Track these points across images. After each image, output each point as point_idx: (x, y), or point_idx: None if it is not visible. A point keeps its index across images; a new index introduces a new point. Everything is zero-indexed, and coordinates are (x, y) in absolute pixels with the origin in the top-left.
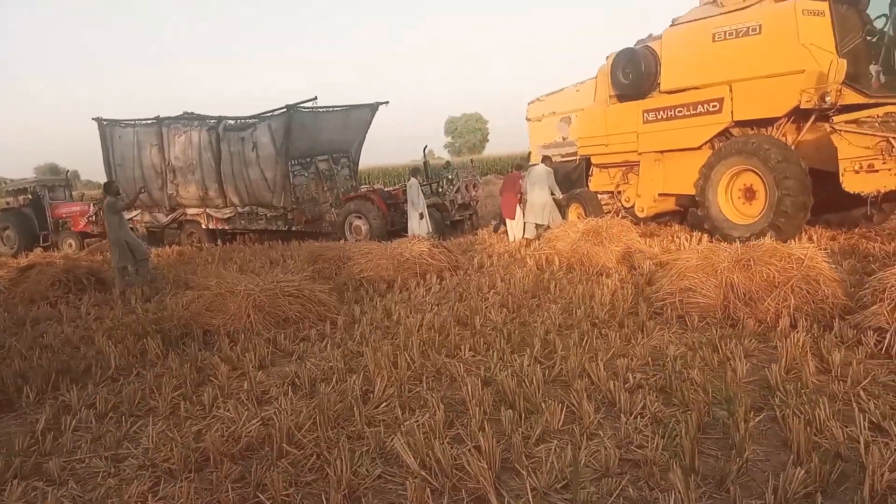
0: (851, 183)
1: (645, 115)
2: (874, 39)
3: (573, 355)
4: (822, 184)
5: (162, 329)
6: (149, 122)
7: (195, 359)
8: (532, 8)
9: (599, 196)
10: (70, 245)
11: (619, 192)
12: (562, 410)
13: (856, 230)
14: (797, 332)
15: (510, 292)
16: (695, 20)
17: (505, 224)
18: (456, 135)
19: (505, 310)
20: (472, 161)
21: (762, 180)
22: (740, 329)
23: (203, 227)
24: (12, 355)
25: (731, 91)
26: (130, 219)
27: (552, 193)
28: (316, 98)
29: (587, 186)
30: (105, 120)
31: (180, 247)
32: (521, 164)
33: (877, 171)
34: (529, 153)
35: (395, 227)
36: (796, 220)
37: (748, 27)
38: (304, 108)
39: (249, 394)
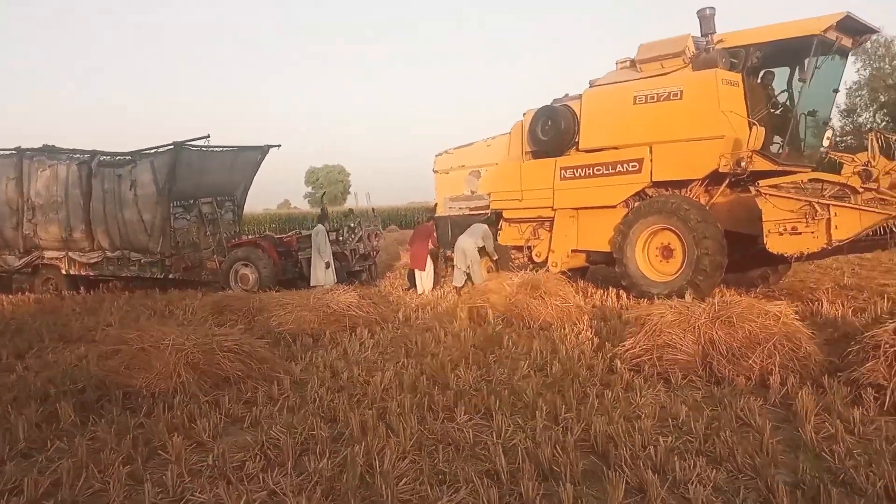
0: (775, 244)
1: (562, 171)
2: (778, 112)
3: (589, 416)
4: (731, 245)
5: (71, 391)
6: (7, 152)
7: (126, 426)
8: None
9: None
10: None
11: (529, 247)
12: (622, 483)
13: (756, 290)
14: (795, 389)
15: (459, 347)
16: (614, 83)
17: (409, 277)
18: (317, 185)
19: (475, 366)
20: (373, 210)
21: (680, 239)
22: (727, 387)
23: (63, 272)
24: None
25: (651, 152)
26: None
27: (489, 254)
28: (209, 136)
29: (496, 240)
30: None
31: (34, 294)
32: (432, 217)
33: (800, 233)
34: (436, 204)
35: (286, 276)
36: (713, 279)
37: (669, 92)
38: (194, 146)
39: (218, 470)
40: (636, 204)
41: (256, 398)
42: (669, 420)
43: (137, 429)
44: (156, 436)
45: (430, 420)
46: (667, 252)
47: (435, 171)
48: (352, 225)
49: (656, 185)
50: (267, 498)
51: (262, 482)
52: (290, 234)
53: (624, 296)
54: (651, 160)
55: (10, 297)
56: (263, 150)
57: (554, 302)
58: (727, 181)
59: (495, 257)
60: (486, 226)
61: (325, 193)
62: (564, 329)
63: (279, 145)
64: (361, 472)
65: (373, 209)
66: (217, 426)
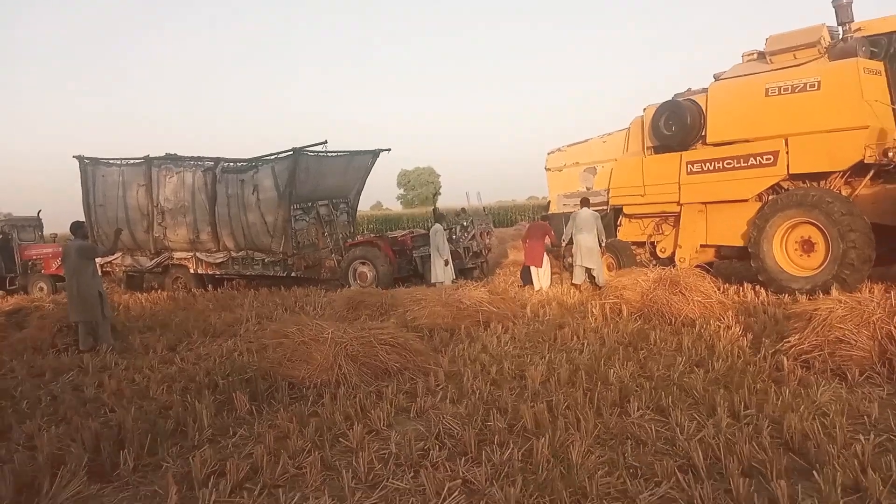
0: None
1: (688, 166)
2: None
3: (773, 413)
4: (877, 238)
5: (240, 382)
6: (137, 161)
7: (301, 415)
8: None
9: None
10: (41, 289)
11: (652, 243)
12: (837, 482)
13: None
14: None
15: (602, 343)
16: (742, 75)
17: (522, 274)
18: (408, 187)
19: (629, 362)
20: (484, 209)
21: (823, 233)
22: None
23: (191, 271)
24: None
25: (786, 144)
26: (110, 262)
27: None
28: (326, 142)
29: (615, 236)
30: (87, 158)
31: (166, 292)
32: (545, 214)
33: None
34: (549, 202)
35: (401, 275)
36: (861, 273)
37: (806, 83)
38: (311, 151)
39: (404, 457)
40: (772, 197)
41: (416, 389)
42: (865, 418)
43: (312, 417)
44: (335, 424)
45: (606, 414)
46: (807, 246)
47: (547, 169)
48: (464, 224)
49: (793, 177)
50: (462, 486)
51: (449, 470)
52: (404, 233)
53: (762, 291)
54: (787, 152)
55: (144, 294)
56: (375, 154)
57: (695, 297)
58: (871, 172)
59: (603, 240)
60: (588, 210)
61: (437, 194)
62: (710, 325)
63: (389, 149)
64: (553, 465)
65: (483, 208)
66: (389, 415)
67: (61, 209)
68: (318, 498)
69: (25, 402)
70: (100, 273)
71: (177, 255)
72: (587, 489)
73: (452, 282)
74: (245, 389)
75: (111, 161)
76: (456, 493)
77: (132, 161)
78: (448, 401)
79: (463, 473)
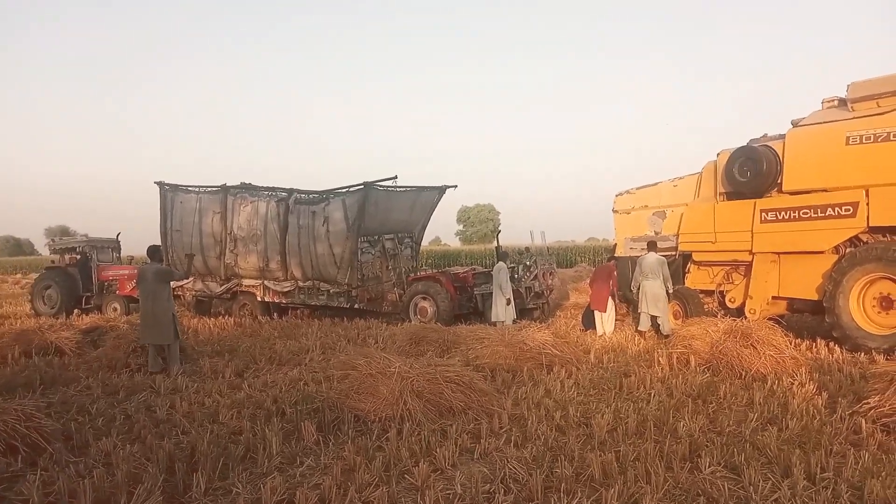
0: None
1: (762, 214)
2: None
3: (852, 477)
4: None
5: (308, 411)
6: (214, 189)
7: (366, 448)
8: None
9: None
10: (115, 309)
11: (721, 292)
12: None
13: None
14: None
15: (669, 393)
16: (821, 122)
17: (585, 318)
18: (468, 224)
19: (698, 416)
20: (548, 249)
21: None
22: None
23: (258, 298)
24: (157, 435)
25: (867, 196)
26: (181, 286)
27: (664, 280)
28: (396, 177)
29: (683, 283)
30: (167, 184)
31: (233, 318)
32: (612, 256)
33: None
34: (615, 244)
35: (461, 311)
36: None
37: (889, 132)
38: (381, 186)
39: (470, 499)
40: (851, 250)
41: (480, 430)
42: None
43: (377, 451)
44: (400, 460)
45: (676, 469)
46: (886, 303)
47: (615, 211)
48: (527, 263)
49: (873, 230)
50: None
51: None
52: (466, 269)
53: (836, 348)
54: (867, 204)
55: (212, 320)
56: (441, 191)
57: (767, 351)
58: None
59: (670, 287)
60: (654, 255)
61: (499, 232)
62: (783, 381)
63: (455, 186)
64: None
65: (547, 248)
66: (453, 455)
67: (138, 233)
68: None
69: (101, 419)
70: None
71: (246, 282)
72: None
73: (514, 322)
74: (312, 419)
75: (190, 188)
76: None
77: (210, 189)
78: (512, 444)
79: None
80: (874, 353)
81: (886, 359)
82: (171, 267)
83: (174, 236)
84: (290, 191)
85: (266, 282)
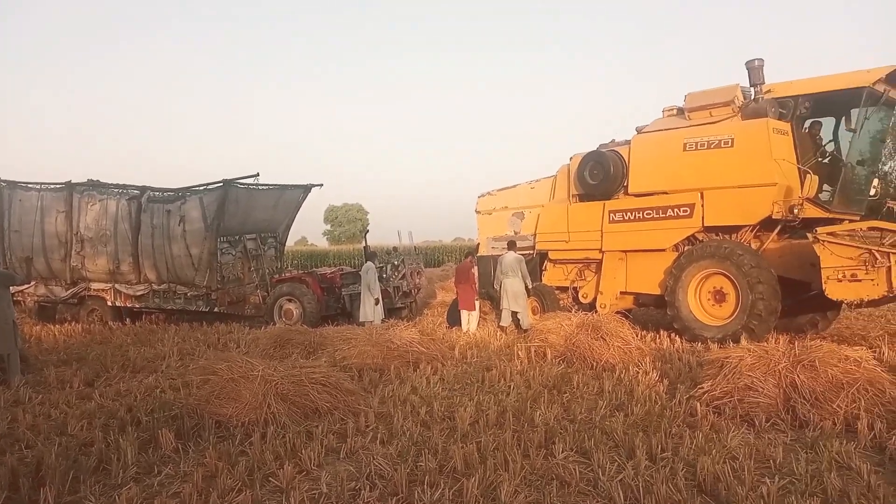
0: (834, 291)
1: (611, 214)
2: (826, 161)
3: (687, 456)
4: (782, 291)
5: (165, 419)
6: (58, 186)
7: (229, 454)
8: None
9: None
10: None
11: (574, 288)
12: None
13: (806, 336)
14: (884, 434)
15: (528, 385)
16: (662, 129)
17: (450, 315)
18: (335, 223)
19: (553, 405)
20: (415, 248)
21: (733, 284)
22: (814, 431)
23: (109, 303)
24: None
25: (702, 198)
26: (21, 291)
27: (523, 277)
28: (258, 174)
29: (540, 280)
30: (4, 181)
31: (81, 324)
32: (470, 253)
33: (860, 280)
34: (478, 244)
35: (328, 313)
36: (768, 324)
37: (720, 140)
38: (242, 183)
39: (335, 497)
40: (688, 248)
41: (346, 429)
42: (771, 462)
43: (240, 456)
44: (264, 463)
45: (532, 456)
46: (719, 296)
47: (478, 212)
48: (395, 263)
49: (707, 229)
50: None
51: None
52: (334, 270)
53: (677, 338)
54: (702, 205)
55: (57, 326)
56: (306, 189)
57: (615, 343)
58: (778, 227)
59: (529, 283)
60: (513, 254)
61: (367, 232)
62: (629, 370)
63: (321, 184)
64: None
65: (415, 247)
66: (319, 455)
67: None
68: None
69: None
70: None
71: (94, 286)
72: None
73: (382, 321)
74: (171, 426)
75: (30, 185)
76: None
77: (53, 186)
78: (378, 441)
79: None
80: (710, 343)
81: (720, 347)
82: (10, 270)
83: (12, 237)
84: (143, 188)
85: (117, 285)
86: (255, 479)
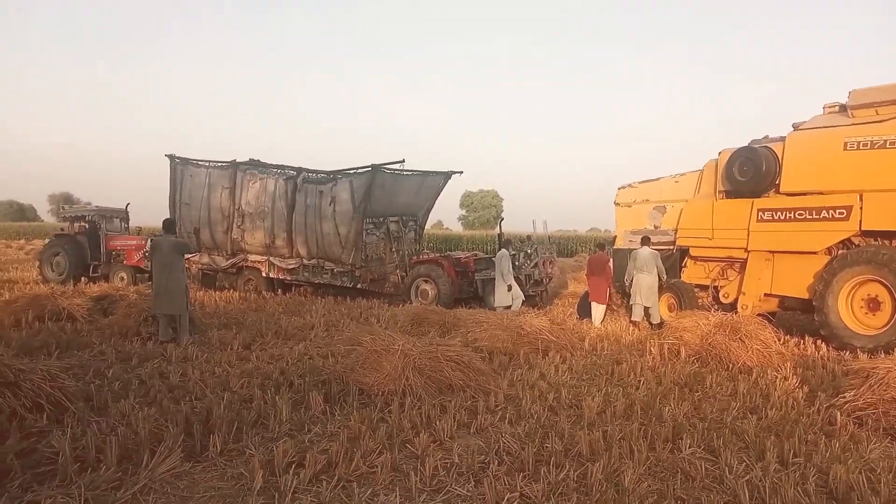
0: None
1: (759, 213)
2: None
3: (820, 463)
4: None
5: (315, 383)
6: (224, 164)
7: (371, 419)
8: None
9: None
10: (122, 278)
11: (715, 287)
12: None
13: None
14: None
15: (658, 381)
16: (821, 127)
17: (580, 307)
18: (471, 209)
19: (684, 402)
20: (549, 237)
21: (890, 293)
22: None
23: (263, 274)
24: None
25: (861, 200)
26: (188, 259)
27: (658, 277)
28: (403, 161)
29: (679, 277)
30: (178, 158)
31: (238, 292)
32: (603, 244)
33: None
34: (615, 236)
35: (461, 296)
36: None
37: (885, 139)
38: (388, 169)
39: (466, 467)
40: (842, 252)
41: (477, 407)
42: None
43: (380, 422)
44: (402, 431)
45: (658, 448)
46: (873, 304)
47: (616, 204)
48: (528, 251)
49: (865, 234)
50: (520, 498)
51: (507, 484)
52: (467, 254)
53: (823, 346)
54: (861, 208)
55: (217, 293)
56: (447, 176)
57: (754, 346)
58: None
59: (664, 278)
60: (648, 249)
61: (502, 219)
62: (767, 374)
63: (461, 172)
64: (605, 488)
65: (549, 236)
66: (451, 428)
67: (146, 205)
68: (387, 495)
69: (118, 383)
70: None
71: (251, 257)
72: None
73: (523, 304)
74: (319, 390)
75: (200, 162)
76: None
77: (219, 164)
78: (507, 421)
79: (521, 488)
80: (858, 352)
81: (869, 358)
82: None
83: (183, 209)
84: (299, 169)
85: (271, 258)
86: (393, 444)
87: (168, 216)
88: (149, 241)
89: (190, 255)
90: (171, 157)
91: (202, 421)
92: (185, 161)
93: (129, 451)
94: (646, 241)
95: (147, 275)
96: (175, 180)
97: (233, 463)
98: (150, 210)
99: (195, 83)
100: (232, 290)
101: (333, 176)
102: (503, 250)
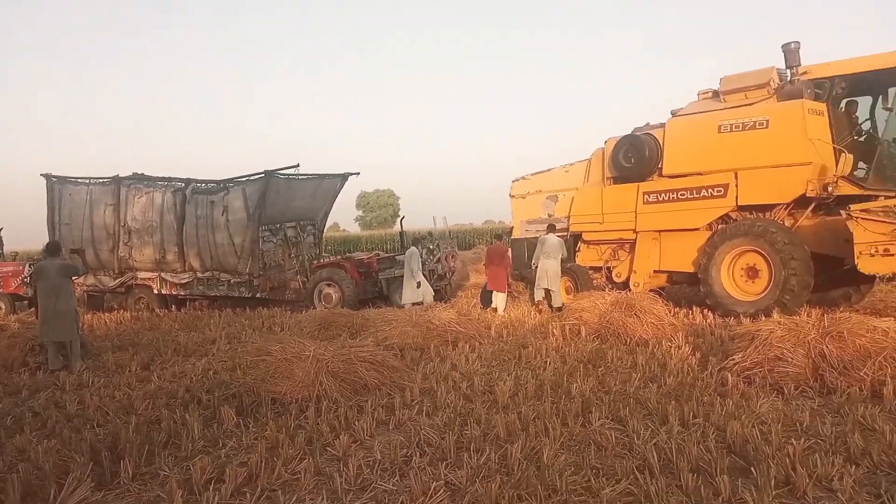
0: (867, 265)
1: (645, 196)
2: (862, 139)
3: (718, 422)
4: (815, 266)
5: (226, 397)
6: (105, 180)
7: (288, 427)
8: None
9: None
10: (0, 308)
11: (608, 268)
12: (770, 476)
13: (839, 309)
14: None
15: (564, 360)
16: (697, 112)
17: (482, 297)
18: (367, 209)
19: (589, 378)
20: (449, 233)
21: (767, 261)
22: (841, 397)
23: (155, 291)
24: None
25: (736, 178)
26: (72, 281)
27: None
28: (298, 165)
29: (574, 261)
30: (55, 176)
31: (129, 312)
32: (500, 235)
33: (892, 255)
34: (512, 227)
35: (366, 297)
36: (800, 298)
37: (755, 121)
38: (283, 174)
39: (388, 463)
40: (721, 227)
41: (393, 403)
42: (797, 426)
43: (298, 429)
44: (321, 435)
45: (571, 424)
46: (752, 273)
47: (512, 196)
48: (430, 247)
49: (741, 209)
50: (445, 486)
51: (431, 473)
52: (370, 255)
53: (710, 314)
54: (736, 185)
55: (107, 314)
56: (344, 178)
57: (649, 320)
58: (812, 205)
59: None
60: (555, 236)
61: (403, 217)
62: (662, 345)
63: (358, 173)
64: (526, 466)
65: (449, 231)
66: (371, 427)
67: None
68: (313, 499)
69: (9, 418)
70: None
71: (141, 275)
72: (557, 486)
73: (434, 299)
74: (230, 404)
75: (79, 180)
76: (440, 492)
77: (101, 180)
78: (424, 414)
79: (445, 475)
80: (742, 317)
81: (751, 321)
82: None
83: (63, 230)
84: (188, 181)
85: (163, 274)
86: (314, 449)
87: (52, 240)
88: (28, 265)
89: (76, 278)
90: (48, 177)
91: (109, 447)
92: (64, 179)
93: (34, 486)
94: (552, 229)
95: (27, 301)
96: (53, 200)
97: (147, 486)
98: (32, 233)
99: (63, 98)
100: (122, 311)
101: (225, 185)
102: (413, 248)
